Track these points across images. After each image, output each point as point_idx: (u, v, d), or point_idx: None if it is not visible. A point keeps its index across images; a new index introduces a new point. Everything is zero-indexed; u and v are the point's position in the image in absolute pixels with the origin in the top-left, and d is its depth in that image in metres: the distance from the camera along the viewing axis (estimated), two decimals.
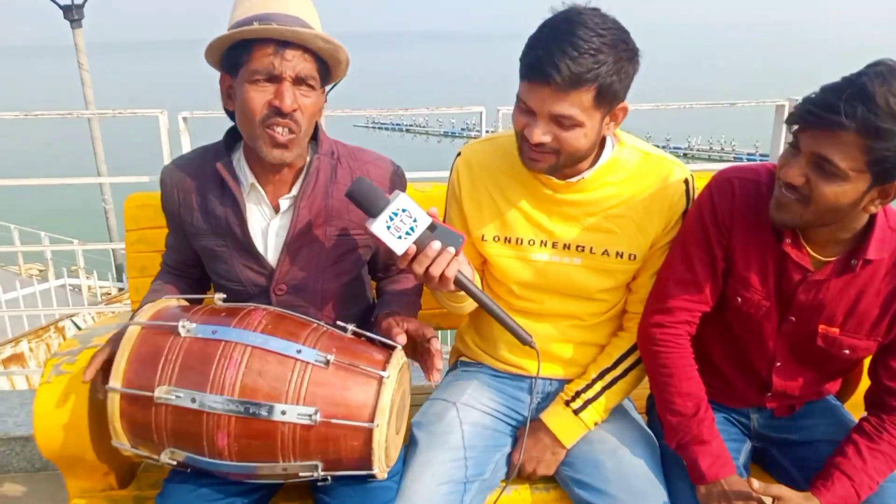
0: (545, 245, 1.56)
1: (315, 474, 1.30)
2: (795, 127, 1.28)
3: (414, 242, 1.31)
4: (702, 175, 1.61)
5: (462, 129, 42.72)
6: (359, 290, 1.64)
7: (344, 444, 1.28)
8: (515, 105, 1.42)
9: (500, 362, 1.68)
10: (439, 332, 1.62)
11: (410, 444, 1.55)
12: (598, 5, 1.39)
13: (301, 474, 1.30)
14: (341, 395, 1.28)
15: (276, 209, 1.49)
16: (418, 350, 1.45)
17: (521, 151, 1.45)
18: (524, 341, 1.44)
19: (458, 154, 1.64)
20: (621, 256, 1.54)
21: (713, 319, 1.54)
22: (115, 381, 1.28)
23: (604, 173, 1.50)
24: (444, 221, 1.41)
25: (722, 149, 36.07)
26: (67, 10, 9.70)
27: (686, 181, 1.53)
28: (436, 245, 1.31)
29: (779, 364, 1.51)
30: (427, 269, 1.32)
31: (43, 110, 3.49)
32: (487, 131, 3.20)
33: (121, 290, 7.94)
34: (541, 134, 1.38)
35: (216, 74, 1.48)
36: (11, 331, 5.84)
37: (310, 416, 1.25)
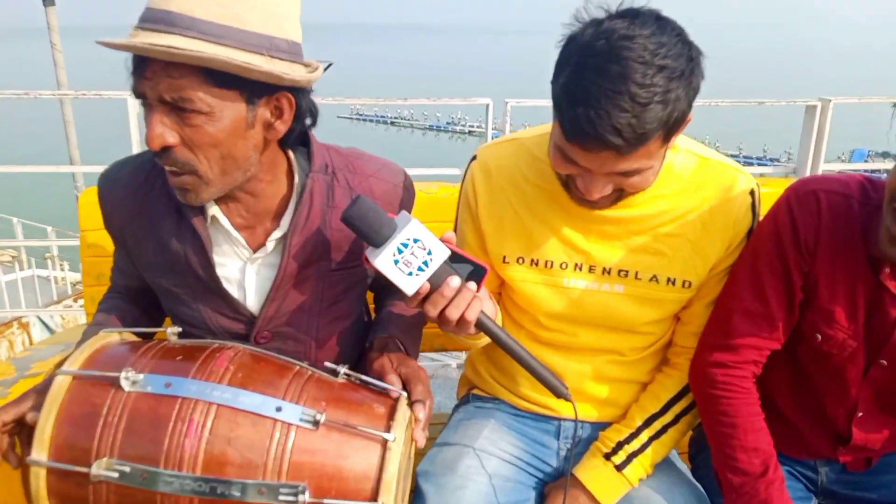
0: (581, 269, 1.27)
1: None
2: None
3: (427, 280, 1.03)
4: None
5: (448, 123, 42.13)
6: (359, 332, 1.35)
7: None
8: (554, 148, 1.13)
9: (521, 399, 1.40)
10: (447, 355, 1.34)
11: (416, 497, 1.27)
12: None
13: None
14: (335, 466, 0.99)
15: (255, 246, 1.18)
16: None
17: (569, 189, 1.18)
18: (558, 394, 1.17)
19: (473, 157, 1.34)
20: (673, 283, 1.26)
21: (781, 357, 1.27)
22: (40, 451, 0.98)
23: (653, 185, 1.21)
24: (462, 249, 1.11)
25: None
26: None
27: (752, 192, 1.25)
28: (454, 282, 1.04)
29: (861, 414, 1.25)
30: (443, 310, 1.04)
31: (10, 91, 3.19)
32: (494, 127, 2.91)
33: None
34: (601, 190, 1.12)
35: None
36: None
37: (295, 494, 0.96)
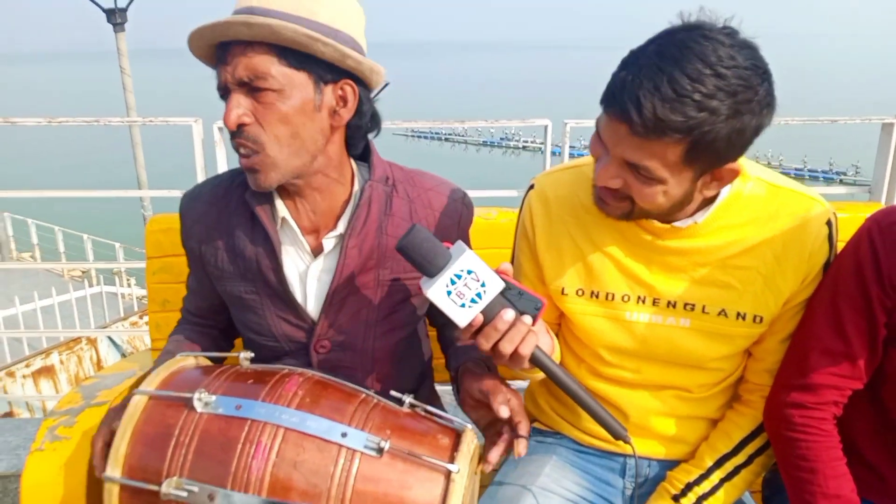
0: (644, 302, 1.24)
1: None
2: None
3: (481, 312, 1.03)
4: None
5: (501, 139, 42.18)
6: (415, 348, 1.36)
7: None
8: (594, 133, 1.13)
9: (584, 434, 1.37)
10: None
11: None
12: (737, 23, 1.05)
13: None
14: (398, 496, 0.99)
15: (317, 250, 1.22)
16: (491, 427, 1.16)
17: (594, 186, 1.16)
18: (617, 435, 1.14)
19: (531, 186, 1.34)
20: (743, 318, 1.22)
21: (863, 397, 1.21)
22: (114, 468, 1.01)
23: (722, 215, 1.18)
24: (520, 280, 1.11)
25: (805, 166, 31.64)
26: (111, 14, 9.68)
27: (829, 222, 1.20)
28: (508, 315, 1.03)
29: None
30: (496, 343, 1.03)
31: (84, 115, 3.33)
32: (555, 146, 2.89)
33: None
34: (609, 177, 1.09)
35: None
36: (45, 339, 5.71)
37: None
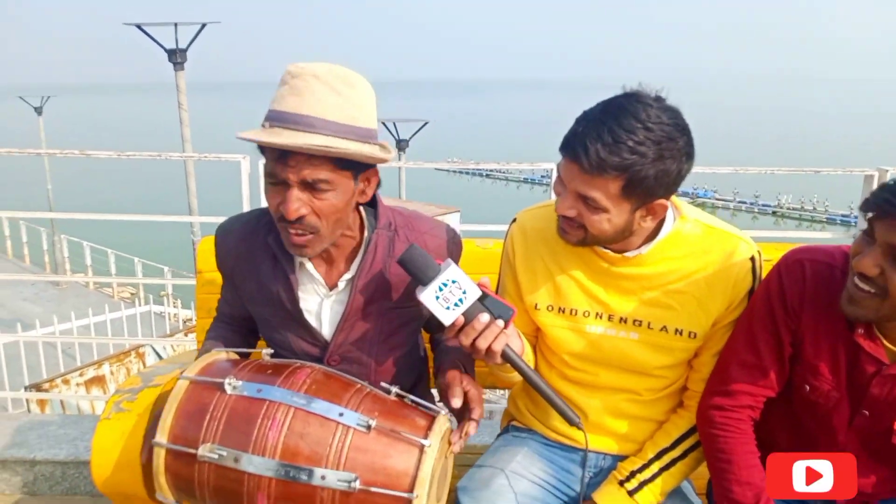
0: (600, 317, 1.50)
1: None
2: (870, 214, 1.18)
3: (462, 314, 1.29)
4: (778, 247, 1.52)
5: (542, 177, 42.47)
6: (411, 358, 1.62)
7: None
8: (556, 174, 1.40)
9: (551, 431, 1.62)
10: (491, 391, 1.57)
11: None
12: (669, 96, 1.33)
13: None
14: (381, 463, 1.26)
15: (332, 287, 1.48)
16: (461, 415, 1.41)
17: (558, 219, 1.43)
18: (571, 421, 1.39)
19: (514, 220, 1.61)
20: (680, 334, 1.46)
21: (779, 405, 1.44)
22: (162, 436, 1.30)
23: (663, 248, 1.44)
24: (496, 292, 1.38)
25: (814, 209, 34.48)
26: (172, 54, 10.31)
27: (753, 258, 1.45)
28: (484, 318, 1.29)
29: None
30: (474, 341, 1.30)
31: (141, 148, 3.68)
32: None
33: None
34: (566, 208, 1.36)
35: None
36: (97, 352, 6.13)
37: (349, 482, 1.23)
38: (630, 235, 1.40)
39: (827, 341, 1.33)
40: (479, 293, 1.30)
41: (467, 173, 46.89)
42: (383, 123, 13.45)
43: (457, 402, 1.36)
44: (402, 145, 12.69)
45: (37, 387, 4.89)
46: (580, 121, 1.31)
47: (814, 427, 1.41)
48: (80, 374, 5.21)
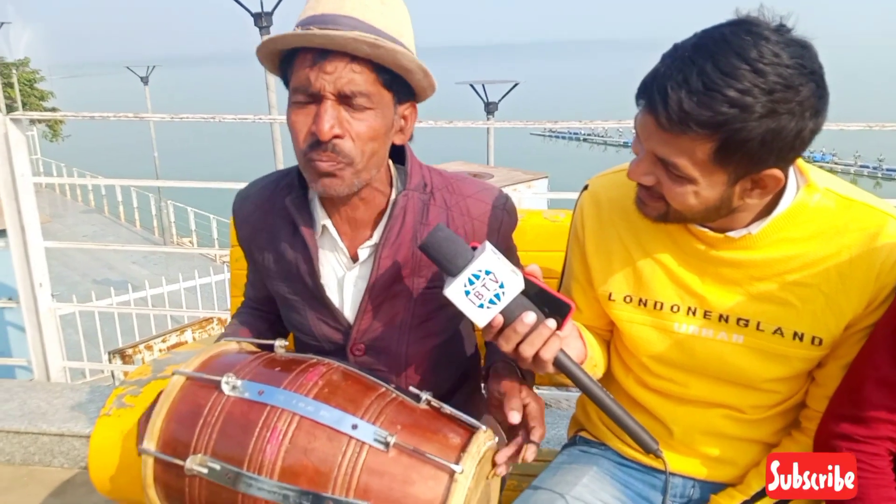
0: (693, 314, 1.17)
1: None
2: None
3: (500, 313, 1.01)
4: None
5: None
6: (454, 352, 1.36)
7: None
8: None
9: (628, 447, 1.32)
10: (554, 391, 1.29)
11: None
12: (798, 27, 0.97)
13: None
14: (401, 490, 1.00)
15: (355, 258, 1.24)
16: (513, 430, 1.14)
17: (636, 191, 1.11)
18: (647, 448, 1.08)
19: (585, 187, 1.30)
20: (801, 339, 1.12)
21: None
22: (150, 442, 1.10)
23: (782, 226, 1.09)
24: (561, 275, 1.08)
25: None
26: (258, 18, 10.34)
27: None
28: (528, 318, 1.00)
29: None
30: (517, 346, 1.01)
31: (232, 113, 3.57)
32: None
33: None
34: (641, 173, 1.05)
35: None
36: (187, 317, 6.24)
37: None
38: (730, 213, 1.08)
39: None
40: (522, 286, 1.01)
41: (562, 137, 45.61)
42: (471, 86, 13.07)
43: (516, 418, 1.08)
44: (490, 107, 12.20)
45: (121, 353, 4.99)
46: (666, 57, 0.98)
47: None
48: (163, 341, 5.26)
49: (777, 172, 1.00)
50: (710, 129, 0.94)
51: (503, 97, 12.35)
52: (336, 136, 1.08)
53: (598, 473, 1.32)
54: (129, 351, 5.04)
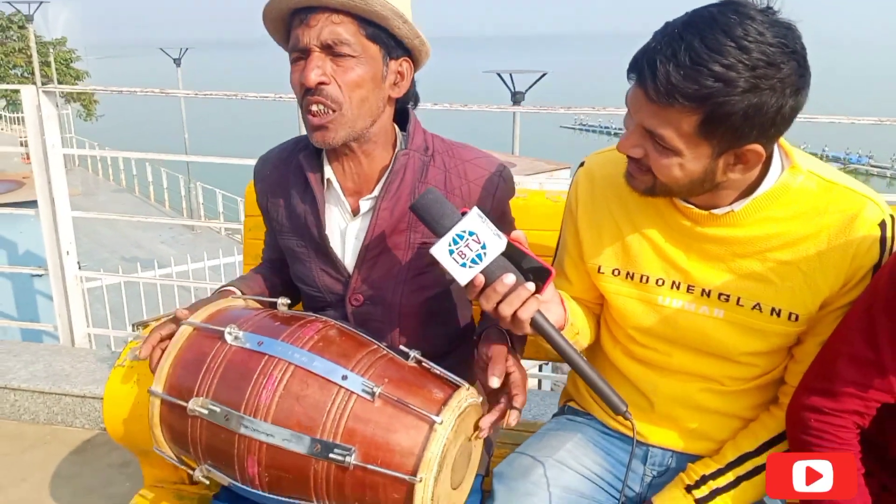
0: (678, 288, 1.23)
1: None
2: None
3: (482, 272, 1.07)
4: None
5: None
6: (450, 306, 1.42)
7: (383, 494, 1.08)
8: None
9: (612, 419, 1.38)
10: (548, 364, 1.35)
11: (489, 497, 1.31)
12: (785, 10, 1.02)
13: None
14: (384, 438, 1.08)
15: (357, 211, 1.32)
16: (495, 395, 1.20)
17: (626, 165, 1.16)
18: (617, 410, 1.14)
19: (581, 164, 1.36)
20: (778, 315, 1.17)
21: None
22: (158, 384, 1.18)
23: (765, 205, 1.14)
24: (556, 248, 1.14)
25: None
26: None
27: (883, 224, 1.12)
28: (508, 279, 1.06)
29: None
30: (497, 305, 1.07)
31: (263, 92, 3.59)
32: None
33: None
34: (630, 145, 1.10)
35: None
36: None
37: (344, 456, 1.06)
38: (714, 188, 1.12)
39: None
40: (503, 248, 1.08)
41: (593, 130, 45.28)
42: (498, 75, 13.06)
43: (495, 382, 1.14)
44: (517, 97, 12.19)
45: (145, 324, 5.10)
46: (657, 34, 1.04)
47: None
48: None
49: (758, 148, 1.05)
50: (696, 102, 0.99)
51: (530, 87, 12.35)
52: (322, 83, 1.19)
53: (581, 440, 1.38)
54: (153, 323, 5.13)
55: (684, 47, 0.98)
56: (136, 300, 6.52)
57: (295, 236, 1.39)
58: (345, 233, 1.34)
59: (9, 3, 23.34)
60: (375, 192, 1.31)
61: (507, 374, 1.16)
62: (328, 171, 1.33)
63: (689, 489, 1.24)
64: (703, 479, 1.24)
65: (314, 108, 1.21)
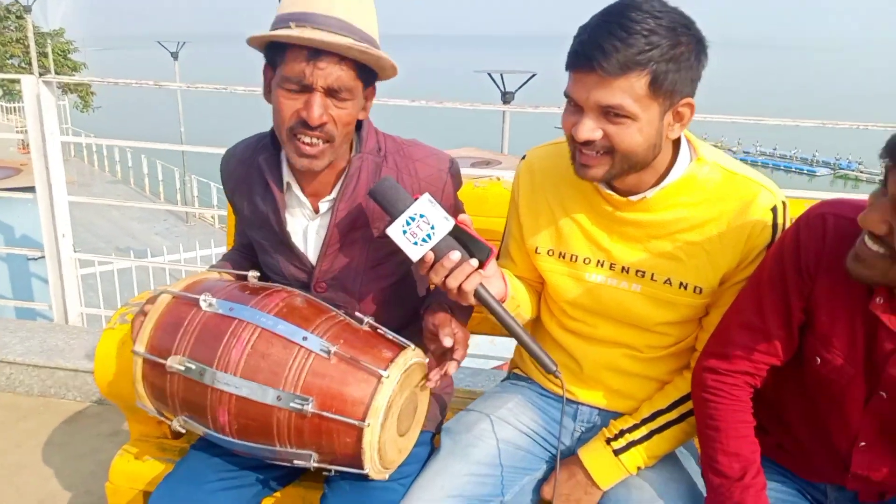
0: (601, 266, 1.39)
1: (309, 464, 1.27)
2: (887, 161, 1.01)
3: (432, 250, 1.23)
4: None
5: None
6: (405, 291, 1.57)
7: (337, 438, 1.25)
8: (565, 107, 1.28)
9: (549, 382, 1.54)
10: (494, 339, 1.50)
11: (435, 449, 1.48)
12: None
13: (296, 462, 1.28)
14: (338, 389, 1.24)
15: (317, 210, 1.45)
16: (443, 357, 1.35)
17: (574, 158, 1.29)
18: (547, 369, 1.31)
19: (523, 157, 1.52)
20: (685, 288, 1.34)
21: (792, 375, 1.29)
22: (140, 345, 1.34)
23: (674, 193, 1.31)
24: (507, 238, 1.29)
25: None
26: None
27: (774, 209, 1.29)
28: (454, 255, 1.23)
29: (863, 444, 1.23)
30: (445, 279, 1.23)
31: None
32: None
33: None
34: (589, 130, 1.21)
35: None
36: None
37: (303, 405, 1.22)
38: (659, 152, 1.27)
39: (843, 310, 1.17)
40: (450, 229, 1.23)
41: None
42: (489, 75, 13.23)
43: (449, 341, 1.29)
44: (506, 98, 12.37)
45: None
46: (582, 32, 1.20)
47: (826, 405, 1.26)
48: None
49: (690, 101, 1.22)
50: (642, 65, 1.15)
51: (520, 87, 12.54)
52: (324, 123, 1.29)
53: (521, 401, 1.54)
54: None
55: (617, 27, 1.16)
56: (129, 289, 6.68)
57: (259, 231, 1.51)
58: (306, 230, 1.47)
59: None
60: (333, 195, 1.43)
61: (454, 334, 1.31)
62: (287, 174, 1.44)
63: (608, 441, 1.40)
64: (621, 433, 1.40)
65: (308, 139, 1.31)
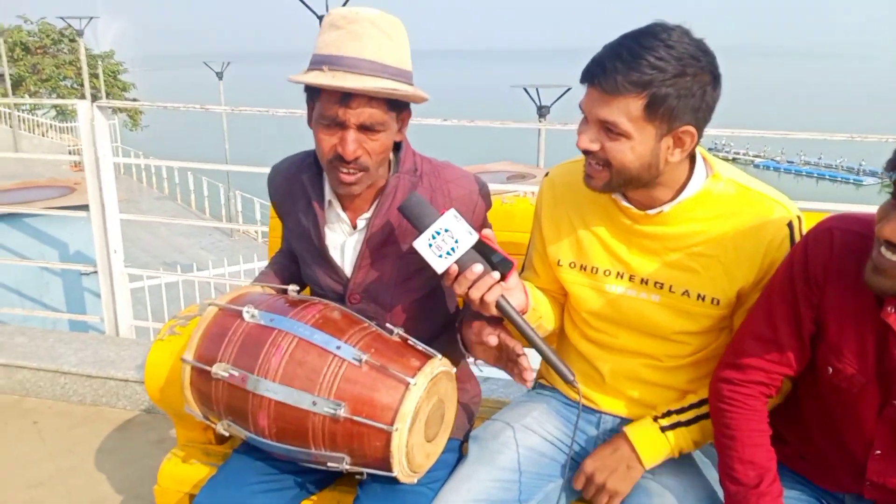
0: (621, 277, 1.45)
1: (342, 466, 1.36)
2: (892, 175, 1.06)
3: (456, 263, 1.31)
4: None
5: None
6: (435, 305, 1.65)
7: (367, 442, 1.33)
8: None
9: (574, 392, 1.59)
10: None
11: (463, 456, 1.55)
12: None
13: (329, 464, 1.37)
14: (368, 395, 1.32)
15: (355, 226, 1.55)
16: (508, 361, 1.43)
17: (585, 165, 1.38)
18: (565, 379, 1.38)
19: (546, 174, 1.59)
20: (703, 299, 1.39)
21: (810, 384, 1.33)
22: (189, 354, 1.44)
23: (690, 207, 1.37)
24: (531, 251, 1.37)
25: None
26: (321, 20, 10.76)
27: (790, 224, 1.34)
28: (476, 268, 1.31)
29: (878, 452, 1.26)
30: (468, 290, 1.31)
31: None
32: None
33: None
34: (588, 140, 1.31)
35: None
36: None
37: (336, 409, 1.31)
38: (658, 174, 1.33)
39: (853, 320, 1.21)
40: (473, 242, 1.31)
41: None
42: (524, 89, 13.32)
43: (493, 340, 1.39)
44: (542, 111, 12.46)
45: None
46: (601, 51, 1.29)
47: (840, 415, 1.29)
48: None
49: (691, 129, 1.28)
50: (639, 88, 1.22)
51: (555, 101, 12.59)
52: (358, 157, 1.39)
53: (546, 409, 1.61)
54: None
55: (625, 50, 1.24)
56: (176, 302, 6.92)
57: (301, 242, 1.62)
58: (344, 244, 1.57)
59: (61, 18, 24.36)
60: (369, 213, 1.53)
61: (497, 336, 1.40)
62: (329, 193, 1.55)
63: (655, 419, 1.45)
64: (669, 413, 1.44)
65: (345, 170, 1.40)
